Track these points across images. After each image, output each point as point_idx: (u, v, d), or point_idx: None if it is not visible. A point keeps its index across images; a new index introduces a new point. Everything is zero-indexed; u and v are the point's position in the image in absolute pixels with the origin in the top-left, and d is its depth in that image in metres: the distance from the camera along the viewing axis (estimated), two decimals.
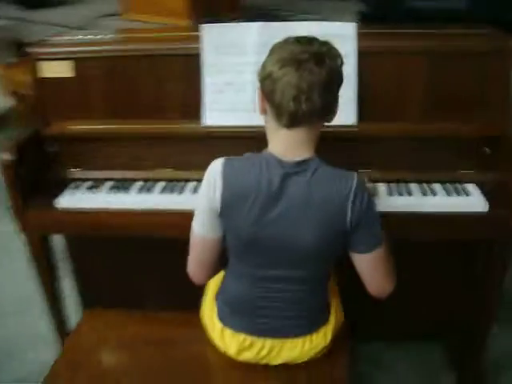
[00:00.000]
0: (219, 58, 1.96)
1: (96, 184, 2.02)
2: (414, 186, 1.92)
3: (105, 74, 2.03)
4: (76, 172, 2.07)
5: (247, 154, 1.48)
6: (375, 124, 1.92)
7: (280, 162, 1.42)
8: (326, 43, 1.43)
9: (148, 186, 2.00)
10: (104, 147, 2.04)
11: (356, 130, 1.92)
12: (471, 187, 1.91)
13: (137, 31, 2.55)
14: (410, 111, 1.94)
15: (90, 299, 2.41)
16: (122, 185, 2.00)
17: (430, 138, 1.93)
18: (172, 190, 1.96)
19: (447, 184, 1.93)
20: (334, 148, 1.82)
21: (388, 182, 1.95)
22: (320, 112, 1.40)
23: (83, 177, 2.06)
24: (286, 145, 1.44)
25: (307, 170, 1.41)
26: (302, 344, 1.57)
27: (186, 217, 1.58)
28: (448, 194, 1.88)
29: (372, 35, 2.03)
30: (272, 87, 1.39)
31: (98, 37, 2.14)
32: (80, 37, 2.15)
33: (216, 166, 1.46)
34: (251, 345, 1.57)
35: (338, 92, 1.46)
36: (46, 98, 2.05)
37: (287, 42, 1.44)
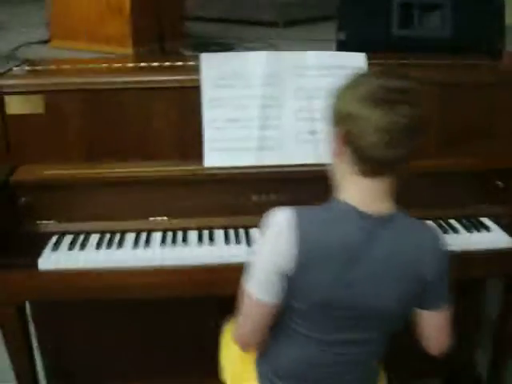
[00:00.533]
0: (220, 91, 1.76)
1: (79, 238, 1.72)
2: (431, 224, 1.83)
3: (81, 109, 1.76)
4: (53, 225, 1.75)
5: (316, 207, 1.29)
6: None
7: (361, 215, 1.23)
8: (411, 79, 1.25)
9: (143, 238, 1.73)
10: (84, 195, 1.75)
11: None
12: (488, 222, 1.84)
13: (112, 60, 2.27)
14: (425, 147, 1.85)
15: (61, 375, 2.06)
16: (112, 238, 1.72)
17: (443, 174, 1.85)
18: (174, 242, 1.71)
19: (463, 220, 1.85)
20: None
21: None
22: (405, 160, 1.23)
23: (62, 230, 1.74)
24: (368, 195, 1.25)
25: (393, 225, 1.25)
26: None
27: (205, 272, 1.36)
28: (468, 229, 1.81)
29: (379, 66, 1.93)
30: (354, 129, 1.19)
31: (71, 66, 1.86)
32: (52, 66, 1.86)
33: (285, 219, 1.24)
34: None
35: None
36: (13, 138, 1.73)
37: (370, 74, 1.28)
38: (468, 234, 1.78)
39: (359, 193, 1.25)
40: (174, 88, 1.76)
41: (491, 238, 1.77)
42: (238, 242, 1.71)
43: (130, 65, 2.01)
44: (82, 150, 1.78)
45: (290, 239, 1.22)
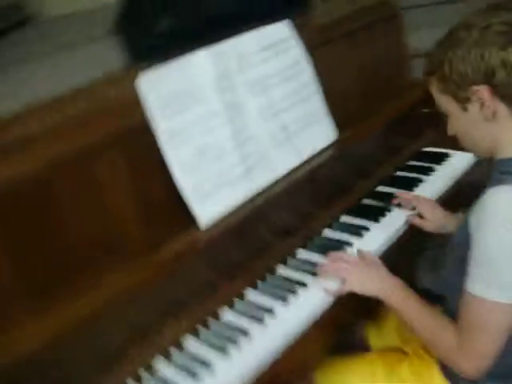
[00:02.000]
0: (174, 120, 1.22)
1: None
2: None
3: None
4: None
5: None
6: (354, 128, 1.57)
7: None
8: None
9: None
10: None
11: (340, 144, 1.53)
12: (442, 150, 1.79)
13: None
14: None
15: None
16: None
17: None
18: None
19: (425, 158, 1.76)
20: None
21: None
22: None
23: None
24: None
25: None
26: None
27: None
28: (438, 163, 1.72)
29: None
30: (509, 76, 1.01)
31: None
32: None
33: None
34: None
35: None
36: None
37: (495, 12, 1.04)
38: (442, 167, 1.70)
39: None
40: (113, 141, 1.14)
41: (457, 160, 1.73)
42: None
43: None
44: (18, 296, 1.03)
45: None
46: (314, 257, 1.36)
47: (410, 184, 1.61)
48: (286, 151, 1.42)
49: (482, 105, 1.05)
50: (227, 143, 1.30)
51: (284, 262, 1.36)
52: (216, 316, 1.22)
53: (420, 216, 1.45)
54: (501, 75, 1.01)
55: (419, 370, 1.24)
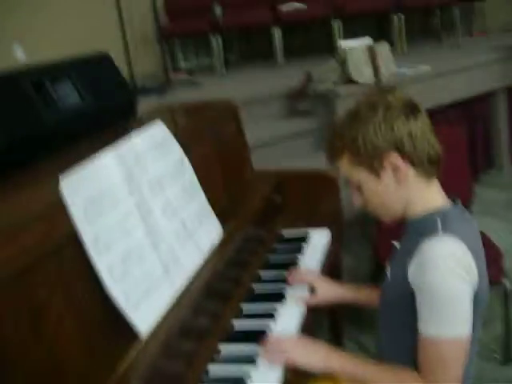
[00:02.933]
0: (96, 225, 1.12)
1: None
2: None
3: None
4: None
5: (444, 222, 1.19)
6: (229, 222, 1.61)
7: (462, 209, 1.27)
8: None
9: None
10: None
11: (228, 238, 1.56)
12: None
13: None
14: None
15: None
16: None
17: None
18: None
19: None
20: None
21: None
22: None
23: None
24: (442, 192, 1.27)
25: None
26: None
27: None
28: None
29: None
30: (414, 143, 1.20)
31: None
32: None
33: (457, 246, 1.14)
34: None
35: None
36: None
37: (380, 101, 1.22)
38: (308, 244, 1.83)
39: (440, 194, 1.26)
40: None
41: (317, 236, 1.88)
42: None
43: None
44: None
45: (471, 262, 1.15)
46: (240, 348, 1.34)
47: (289, 264, 1.70)
48: (190, 248, 1.39)
49: (396, 169, 1.20)
50: (145, 244, 1.23)
51: (212, 361, 1.31)
52: None
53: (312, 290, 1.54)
54: (408, 144, 1.19)
55: None
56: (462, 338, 1.14)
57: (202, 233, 1.47)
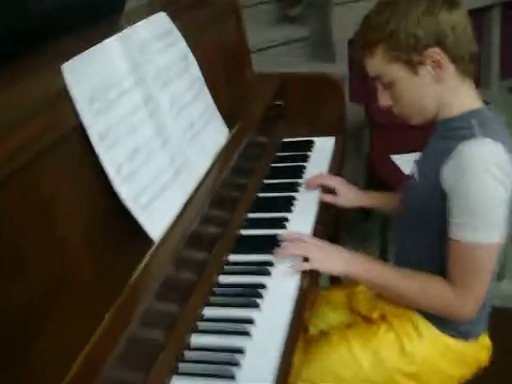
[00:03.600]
0: (103, 118, 1.00)
1: None
2: None
3: None
4: None
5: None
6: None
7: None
8: None
9: None
10: None
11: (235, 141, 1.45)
12: None
13: None
14: None
15: None
16: None
17: None
18: None
19: None
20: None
21: None
22: None
23: None
24: (477, 94, 1.18)
25: None
26: None
27: None
28: None
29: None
30: (457, 38, 1.10)
31: None
32: None
33: (496, 149, 1.07)
34: None
35: None
36: None
37: None
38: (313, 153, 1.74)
39: (474, 94, 1.17)
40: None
41: (322, 143, 1.79)
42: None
43: None
44: None
45: (507, 158, 1.08)
46: (250, 257, 1.26)
47: (296, 173, 1.61)
48: (197, 149, 1.28)
49: (436, 65, 1.10)
50: (154, 142, 1.12)
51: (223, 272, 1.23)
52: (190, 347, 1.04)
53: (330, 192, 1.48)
54: (451, 38, 1.08)
55: (401, 326, 1.23)
56: (496, 245, 1.09)
57: (209, 134, 1.35)
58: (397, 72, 1.13)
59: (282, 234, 1.28)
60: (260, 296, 1.13)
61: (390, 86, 1.16)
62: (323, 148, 1.76)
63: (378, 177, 2.39)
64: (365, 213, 2.73)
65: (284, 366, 0.98)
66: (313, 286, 1.22)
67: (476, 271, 1.10)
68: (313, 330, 1.44)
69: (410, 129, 2.52)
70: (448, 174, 1.09)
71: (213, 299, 1.14)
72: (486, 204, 1.06)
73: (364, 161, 2.63)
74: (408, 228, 1.25)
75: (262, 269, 1.20)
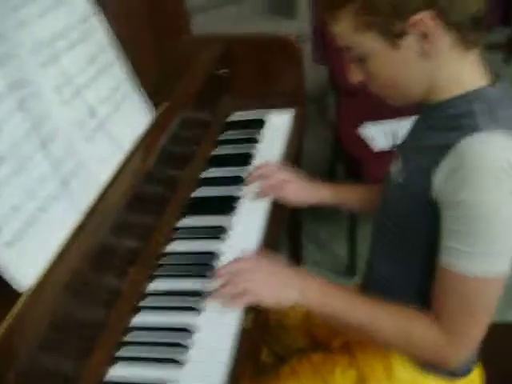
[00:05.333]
0: None
1: None
2: None
3: None
4: None
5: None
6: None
7: None
8: None
9: None
10: None
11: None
12: None
13: None
14: None
15: None
16: None
17: None
18: None
19: None
20: None
21: None
22: None
23: None
24: (482, 68, 0.86)
25: None
26: None
27: None
28: None
29: None
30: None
31: None
32: None
33: (508, 146, 0.77)
34: None
35: None
36: None
37: None
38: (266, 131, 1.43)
39: (478, 70, 0.85)
40: None
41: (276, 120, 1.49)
42: None
43: None
44: None
45: None
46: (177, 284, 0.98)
47: (242, 161, 1.31)
48: (102, 144, 0.97)
49: (424, 37, 0.79)
50: (28, 144, 0.80)
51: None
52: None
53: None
54: None
55: (367, 362, 0.97)
56: (503, 276, 0.80)
57: (121, 121, 1.03)
58: (371, 43, 0.82)
59: (217, 270, 0.97)
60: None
61: (362, 61, 0.86)
62: (278, 125, 1.45)
63: (346, 149, 2.09)
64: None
65: None
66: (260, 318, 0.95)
67: (477, 309, 0.82)
68: (266, 357, 1.18)
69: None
70: (442, 180, 0.80)
71: None
72: (495, 225, 0.77)
73: (330, 131, 2.32)
74: (385, 235, 0.97)
75: (190, 305, 0.92)
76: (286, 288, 0.90)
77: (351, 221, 2.04)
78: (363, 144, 1.99)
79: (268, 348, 1.17)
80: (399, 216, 0.91)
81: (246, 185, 1.20)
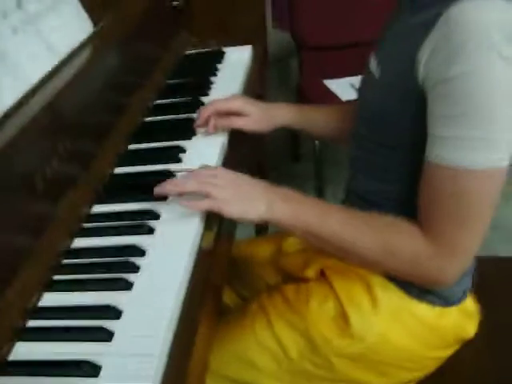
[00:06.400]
0: None
1: None
2: None
3: None
4: None
5: None
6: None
7: None
8: None
9: None
10: None
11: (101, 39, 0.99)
12: None
13: None
14: None
15: None
16: None
17: None
18: None
19: None
20: None
21: None
22: None
23: None
24: None
25: None
26: None
27: None
28: None
29: None
30: None
31: None
32: None
33: (504, 9, 0.64)
34: None
35: None
36: None
37: None
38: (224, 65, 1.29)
39: None
40: None
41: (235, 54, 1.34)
42: None
43: None
44: None
45: None
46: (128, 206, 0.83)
47: (199, 89, 1.17)
48: (31, 43, 0.82)
49: None
50: None
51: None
52: None
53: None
54: None
55: (346, 288, 0.84)
56: (504, 170, 0.68)
57: (56, 24, 0.88)
58: None
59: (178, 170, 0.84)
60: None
61: None
62: (237, 58, 1.31)
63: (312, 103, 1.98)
64: (295, 152, 2.33)
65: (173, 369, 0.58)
66: (222, 240, 0.81)
67: (471, 210, 0.69)
68: (228, 300, 1.04)
69: (344, 49, 2.19)
70: (428, 56, 0.67)
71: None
72: (493, 100, 0.65)
73: (294, 92, 2.19)
74: (362, 146, 0.85)
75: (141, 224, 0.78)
76: (253, 201, 0.76)
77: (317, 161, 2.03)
78: (329, 99, 1.88)
79: (233, 290, 1.03)
80: (377, 117, 0.79)
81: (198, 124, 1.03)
